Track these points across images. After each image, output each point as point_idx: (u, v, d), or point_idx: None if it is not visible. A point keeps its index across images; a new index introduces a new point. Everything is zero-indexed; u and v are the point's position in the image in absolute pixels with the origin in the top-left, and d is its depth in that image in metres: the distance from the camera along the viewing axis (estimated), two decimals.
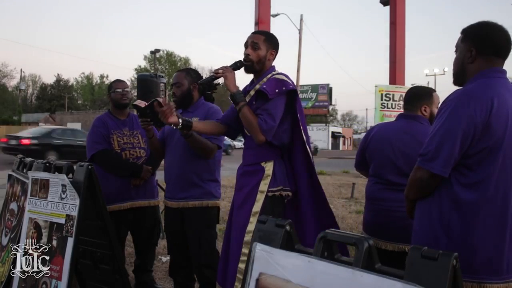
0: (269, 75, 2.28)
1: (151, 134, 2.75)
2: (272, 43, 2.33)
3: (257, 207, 2.20)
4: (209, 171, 2.73)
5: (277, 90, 2.19)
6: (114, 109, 3.23)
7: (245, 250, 2.14)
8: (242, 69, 2.30)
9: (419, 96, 2.47)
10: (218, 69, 2.24)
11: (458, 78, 1.77)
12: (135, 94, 3.50)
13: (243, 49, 2.33)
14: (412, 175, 1.70)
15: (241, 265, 2.12)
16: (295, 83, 2.37)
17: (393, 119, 5.53)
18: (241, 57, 2.32)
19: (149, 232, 3.32)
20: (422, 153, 1.64)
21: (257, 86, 2.26)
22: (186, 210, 2.71)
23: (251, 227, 2.15)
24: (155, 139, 2.81)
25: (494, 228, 1.58)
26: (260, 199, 2.21)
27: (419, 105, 2.43)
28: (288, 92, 2.23)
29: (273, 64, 2.36)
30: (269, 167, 2.24)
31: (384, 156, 2.41)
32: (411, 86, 2.61)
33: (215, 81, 2.38)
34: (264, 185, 2.22)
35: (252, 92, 2.30)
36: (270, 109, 2.18)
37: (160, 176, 3.22)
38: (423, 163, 1.63)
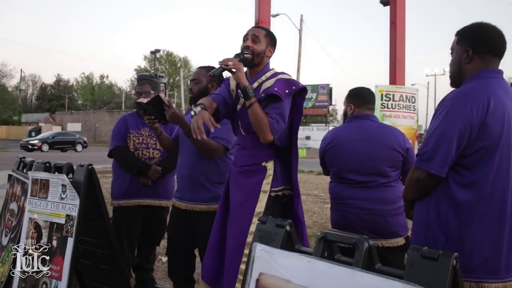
0: (269, 74, 2.26)
1: (159, 132, 2.76)
2: (272, 40, 2.32)
3: (260, 207, 2.16)
4: (218, 173, 2.67)
5: (287, 91, 2.17)
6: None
7: (247, 251, 2.09)
8: None
9: (371, 97, 2.59)
10: (225, 61, 2.15)
11: (456, 79, 1.77)
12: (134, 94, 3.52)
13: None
14: (410, 176, 1.70)
15: (243, 266, 2.08)
16: None
17: (393, 119, 5.61)
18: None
19: (154, 232, 3.34)
20: (419, 153, 1.65)
21: (255, 84, 2.23)
22: (193, 213, 2.69)
23: (253, 228, 2.10)
24: (164, 137, 2.82)
25: (492, 227, 1.58)
26: (263, 199, 2.17)
27: (368, 105, 2.55)
28: (296, 92, 2.21)
29: (268, 62, 2.34)
30: (270, 166, 2.22)
31: (344, 159, 2.47)
32: (359, 86, 2.69)
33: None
34: (266, 185, 2.19)
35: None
36: (280, 109, 2.15)
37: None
38: (421, 163, 1.63)
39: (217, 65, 2.19)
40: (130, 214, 3.13)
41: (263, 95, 2.17)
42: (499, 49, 1.70)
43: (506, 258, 1.59)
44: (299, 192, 2.33)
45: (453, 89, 1.74)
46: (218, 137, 2.63)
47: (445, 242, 1.60)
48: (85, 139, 30.58)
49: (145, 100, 2.69)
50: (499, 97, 1.59)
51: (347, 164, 2.46)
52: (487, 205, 1.58)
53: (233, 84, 2.36)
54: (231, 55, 2.20)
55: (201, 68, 2.90)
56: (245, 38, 2.27)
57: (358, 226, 2.38)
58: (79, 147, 28.62)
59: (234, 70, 2.14)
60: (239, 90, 2.21)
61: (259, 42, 2.25)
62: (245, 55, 2.21)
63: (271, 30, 2.57)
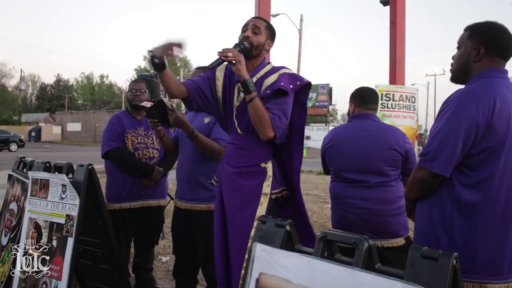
0: (267, 69, 2.17)
1: (162, 134, 2.75)
2: (272, 33, 2.22)
3: (261, 211, 2.10)
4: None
5: (291, 86, 2.09)
6: (131, 108, 3.26)
7: (247, 256, 2.05)
8: None
9: (372, 97, 2.58)
10: (225, 52, 2.00)
11: (459, 75, 1.76)
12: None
13: None
14: (413, 175, 1.69)
15: (243, 271, 1.99)
16: None
17: (393, 119, 5.61)
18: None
19: (153, 232, 3.33)
20: (423, 153, 1.64)
21: (254, 79, 2.11)
22: (193, 212, 2.69)
23: (254, 232, 2.06)
24: (167, 139, 2.81)
25: (496, 228, 1.58)
26: (263, 202, 2.12)
27: (368, 105, 2.55)
28: (300, 88, 2.14)
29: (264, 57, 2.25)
30: (270, 168, 2.16)
31: (344, 157, 2.47)
32: (362, 86, 2.70)
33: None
34: (267, 187, 2.13)
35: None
36: (283, 105, 2.06)
37: (172, 175, 3.22)
38: (425, 163, 1.62)
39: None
40: (129, 216, 3.10)
41: (268, 91, 2.08)
42: (509, 53, 1.69)
43: (509, 258, 1.59)
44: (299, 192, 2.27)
45: (456, 88, 1.73)
46: (219, 138, 2.62)
47: (449, 242, 1.60)
48: (22, 137, 27.36)
49: (148, 104, 2.69)
50: (504, 97, 1.58)
51: (346, 163, 2.46)
52: (492, 205, 1.57)
53: (220, 75, 2.24)
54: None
55: (199, 68, 2.88)
56: (245, 28, 2.16)
57: (359, 226, 2.38)
58: (13, 146, 25.58)
59: (234, 62, 2.01)
60: (238, 84, 2.10)
61: (260, 34, 2.14)
62: (245, 45, 2.11)
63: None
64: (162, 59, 2.03)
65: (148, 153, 3.15)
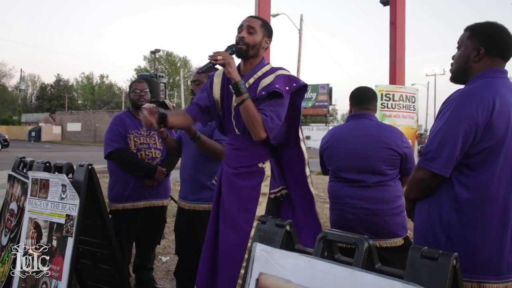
0: (265, 70, 2.16)
1: (165, 135, 2.73)
2: (268, 31, 2.21)
3: (260, 210, 2.10)
4: None
5: (287, 88, 2.08)
6: (133, 108, 3.25)
7: (247, 256, 2.05)
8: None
9: (368, 97, 2.57)
10: (215, 56, 2.02)
11: (459, 75, 1.76)
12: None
13: None
14: (413, 175, 1.70)
15: (243, 271, 2.02)
16: None
17: (393, 119, 5.60)
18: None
19: (155, 232, 3.34)
20: (423, 153, 1.65)
21: (251, 80, 2.13)
22: (196, 212, 2.69)
23: (254, 232, 2.07)
24: (170, 139, 2.80)
25: (495, 228, 1.58)
26: (262, 202, 2.13)
27: (364, 105, 2.54)
28: (296, 89, 2.13)
29: (263, 56, 2.25)
30: (267, 168, 2.17)
31: (341, 157, 2.48)
32: (359, 86, 2.69)
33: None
34: (265, 187, 2.14)
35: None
36: (276, 107, 2.06)
37: (175, 174, 3.21)
38: (424, 163, 1.63)
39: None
40: (132, 216, 3.11)
41: (264, 93, 2.07)
42: (509, 53, 1.70)
43: (507, 258, 1.59)
44: (307, 195, 2.23)
45: (456, 88, 1.73)
46: (222, 139, 2.62)
47: (448, 242, 1.60)
48: (6, 137, 26.35)
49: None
50: (504, 97, 1.58)
51: (344, 162, 2.46)
52: (490, 205, 1.58)
53: (218, 80, 2.25)
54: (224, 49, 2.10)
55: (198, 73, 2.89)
56: (240, 29, 2.16)
57: (356, 226, 2.38)
58: None
59: (224, 64, 2.02)
60: (230, 86, 2.09)
61: (255, 33, 2.14)
62: (239, 46, 2.11)
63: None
64: (159, 128, 2.24)
65: (150, 154, 3.16)
